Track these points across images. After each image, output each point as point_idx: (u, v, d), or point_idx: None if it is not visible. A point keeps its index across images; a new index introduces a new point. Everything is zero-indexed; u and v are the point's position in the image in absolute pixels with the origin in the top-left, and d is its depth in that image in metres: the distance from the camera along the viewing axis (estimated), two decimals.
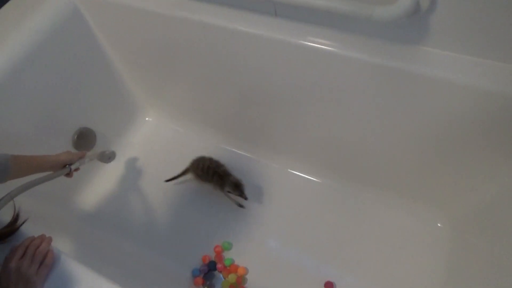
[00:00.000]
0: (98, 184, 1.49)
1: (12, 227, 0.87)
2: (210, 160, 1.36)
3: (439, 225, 1.24)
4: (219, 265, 1.28)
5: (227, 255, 1.32)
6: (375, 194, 1.34)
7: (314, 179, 1.42)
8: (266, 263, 1.28)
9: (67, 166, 1.02)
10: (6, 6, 1.27)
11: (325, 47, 1.01)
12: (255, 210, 1.39)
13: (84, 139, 1.42)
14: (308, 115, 1.25)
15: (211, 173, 1.32)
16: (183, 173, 1.43)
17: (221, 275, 1.28)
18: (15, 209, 0.88)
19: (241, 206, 1.38)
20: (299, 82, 1.14)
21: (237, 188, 1.29)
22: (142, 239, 1.38)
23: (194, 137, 1.59)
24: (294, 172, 1.44)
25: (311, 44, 1.02)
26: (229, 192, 1.33)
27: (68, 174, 1.03)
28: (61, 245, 0.87)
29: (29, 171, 0.93)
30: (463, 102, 0.94)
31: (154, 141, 1.61)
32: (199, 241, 1.35)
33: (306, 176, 1.43)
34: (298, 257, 1.28)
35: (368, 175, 1.32)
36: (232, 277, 1.25)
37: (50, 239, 0.84)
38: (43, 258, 0.80)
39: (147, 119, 1.66)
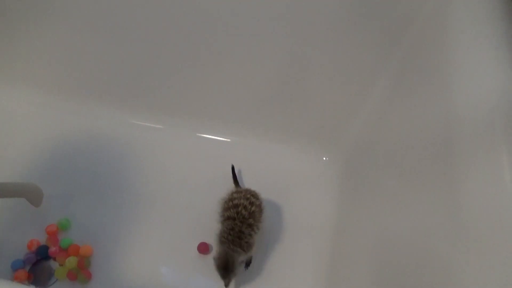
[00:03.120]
0: None
1: None
2: (251, 202, 0.90)
3: (324, 158, 1.08)
4: (52, 249, 0.93)
5: (65, 236, 0.97)
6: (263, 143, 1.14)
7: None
8: (122, 239, 0.97)
9: None
10: None
11: None
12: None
13: None
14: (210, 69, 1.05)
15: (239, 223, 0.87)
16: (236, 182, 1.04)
17: (56, 263, 0.93)
18: None
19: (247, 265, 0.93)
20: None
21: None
22: None
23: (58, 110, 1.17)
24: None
25: None
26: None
27: None
28: None
29: None
30: None
31: None
32: (24, 224, 0.99)
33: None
34: (167, 224, 1.01)
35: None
36: (71, 261, 0.91)
37: None
38: None
39: None
